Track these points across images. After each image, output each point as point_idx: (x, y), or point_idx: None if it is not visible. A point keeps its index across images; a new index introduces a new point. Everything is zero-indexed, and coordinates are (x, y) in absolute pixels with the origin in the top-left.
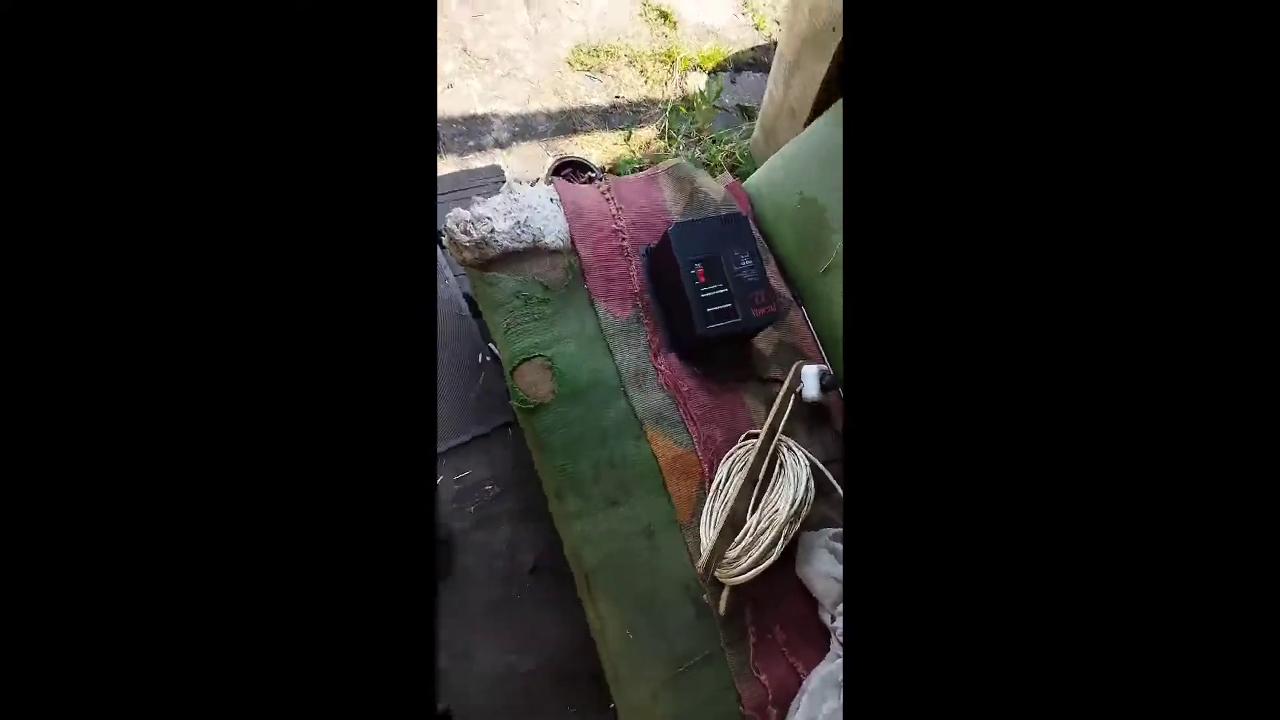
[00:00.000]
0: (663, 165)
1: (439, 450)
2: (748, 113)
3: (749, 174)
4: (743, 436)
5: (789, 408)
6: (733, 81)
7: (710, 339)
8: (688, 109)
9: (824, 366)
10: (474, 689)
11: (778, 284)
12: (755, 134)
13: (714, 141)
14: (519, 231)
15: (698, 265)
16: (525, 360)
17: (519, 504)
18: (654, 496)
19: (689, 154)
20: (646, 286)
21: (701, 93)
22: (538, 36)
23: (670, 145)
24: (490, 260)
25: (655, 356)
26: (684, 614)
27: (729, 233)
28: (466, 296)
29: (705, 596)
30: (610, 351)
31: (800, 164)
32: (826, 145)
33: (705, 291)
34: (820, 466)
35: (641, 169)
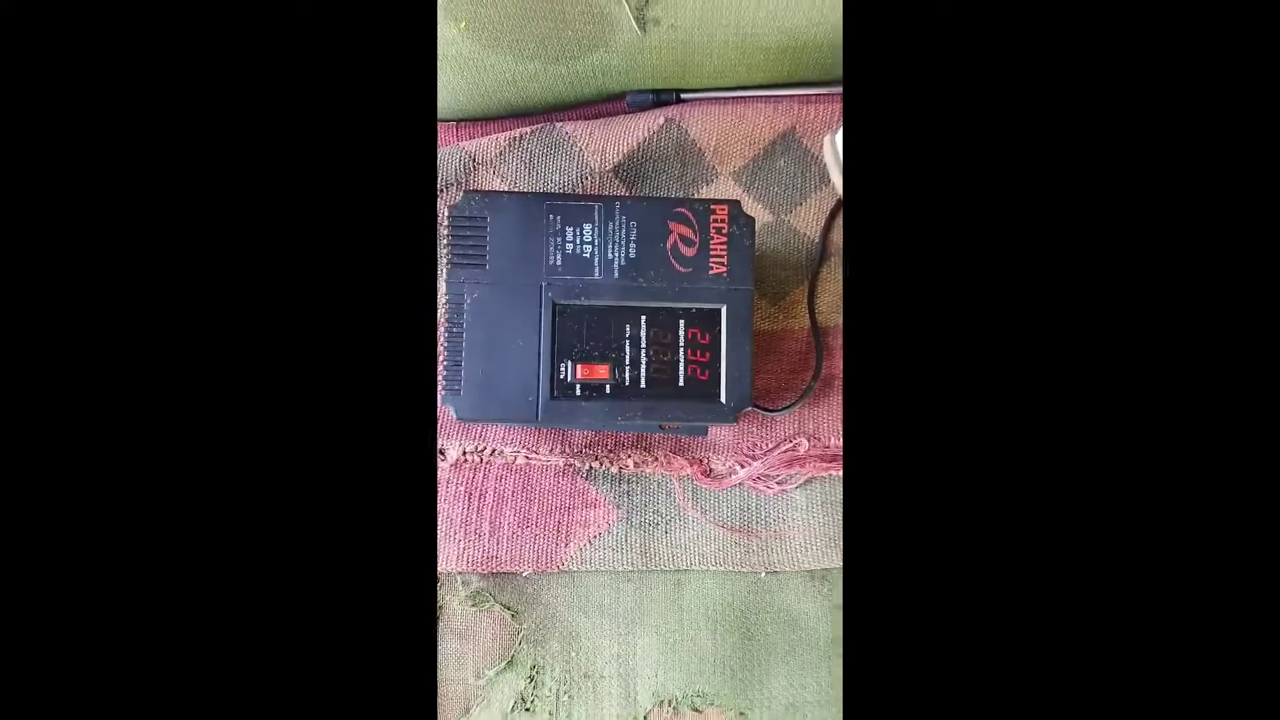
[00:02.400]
0: None
1: None
2: None
3: None
4: None
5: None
6: None
7: (740, 409)
8: None
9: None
10: None
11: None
12: None
13: None
14: None
15: (567, 370)
16: None
17: None
18: None
19: None
20: (573, 437)
21: None
22: None
23: None
24: None
25: (707, 476)
26: None
27: (501, 301)
28: None
29: None
30: (678, 569)
31: None
32: None
33: (631, 371)
34: None
35: None
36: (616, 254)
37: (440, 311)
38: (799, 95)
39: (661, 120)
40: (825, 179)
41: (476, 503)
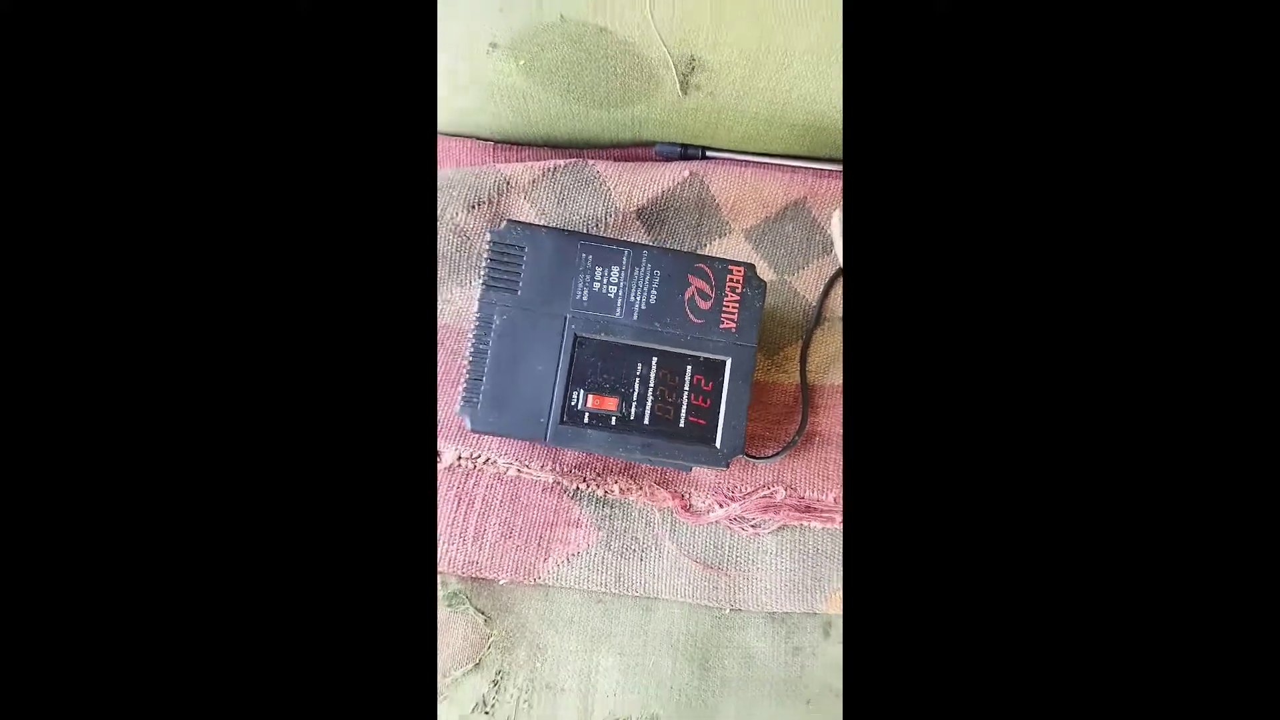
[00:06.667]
0: None
1: None
2: None
3: None
4: None
5: None
6: None
7: (732, 455)
8: None
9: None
10: None
11: (648, 182)
12: None
13: None
14: None
15: (579, 398)
16: None
17: None
18: None
19: None
20: (573, 461)
21: None
22: None
23: None
24: None
25: (687, 510)
26: None
27: (524, 321)
28: None
29: None
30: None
31: None
32: None
33: (637, 408)
34: None
35: None
36: (639, 298)
37: (470, 327)
38: (814, 169)
39: (686, 173)
40: (828, 248)
41: (465, 508)
